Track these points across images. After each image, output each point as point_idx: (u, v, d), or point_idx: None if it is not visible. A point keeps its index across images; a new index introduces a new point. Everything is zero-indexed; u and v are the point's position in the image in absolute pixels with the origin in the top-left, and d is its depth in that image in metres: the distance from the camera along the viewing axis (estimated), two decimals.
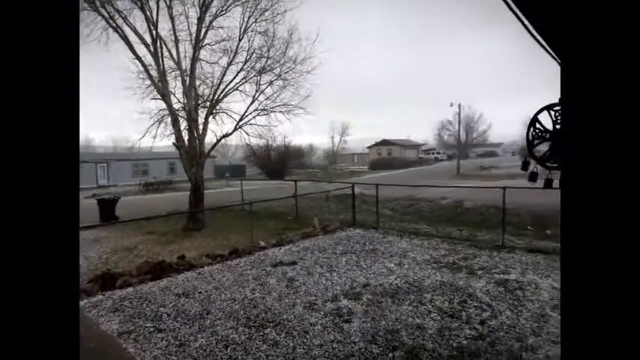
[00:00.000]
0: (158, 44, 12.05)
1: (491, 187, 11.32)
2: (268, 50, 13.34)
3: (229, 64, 13.10)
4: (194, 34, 12.36)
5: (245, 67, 13.24)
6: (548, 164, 2.36)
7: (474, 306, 5.23)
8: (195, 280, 6.69)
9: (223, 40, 13.05)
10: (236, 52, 13.06)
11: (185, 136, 12.61)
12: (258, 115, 13.86)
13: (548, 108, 2.28)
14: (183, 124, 12.68)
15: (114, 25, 11.58)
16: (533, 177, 2.47)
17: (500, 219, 9.25)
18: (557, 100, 2.23)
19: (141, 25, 11.97)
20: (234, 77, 13.24)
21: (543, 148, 2.40)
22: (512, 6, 1.46)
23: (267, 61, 13.36)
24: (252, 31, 13.09)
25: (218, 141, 13.76)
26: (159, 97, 12.59)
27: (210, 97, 13.23)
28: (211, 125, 13.51)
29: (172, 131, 12.68)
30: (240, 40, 12.96)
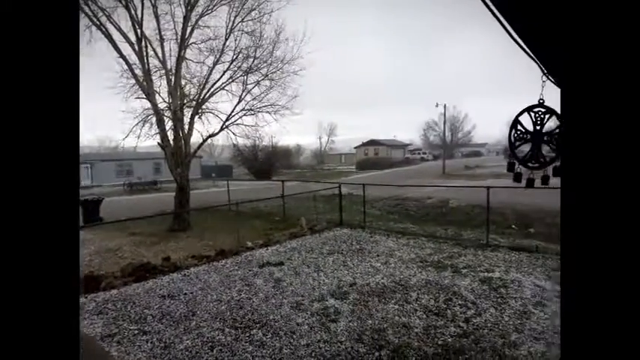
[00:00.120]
0: (143, 43, 11.84)
1: (476, 187, 11.49)
2: (255, 50, 13.27)
3: (215, 63, 12.97)
4: (180, 33, 12.20)
5: (231, 66, 13.13)
6: (529, 164, 2.42)
7: (459, 304, 5.31)
8: (181, 282, 6.61)
9: (209, 39, 12.91)
10: (222, 52, 12.94)
11: (170, 136, 12.43)
12: (245, 115, 13.76)
13: (529, 110, 2.34)
14: (169, 124, 12.51)
15: (97, 22, 11.36)
16: (517, 177, 2.53)
17: (484, 218, 9.42)
18: (536, 102, 2.30)
19: (125, 24, 11.78)
20: (221, 77, 13.12)
21: (525, 148, 2.46)
22: (496, 12, 1.48)
23: (254, 61, 13.28)
24: (239, 30, 13.01)
25: (204, 141, 13.60)
26: (143, 96, 12.39)
27: (196, 96, 13.08)
28: (197, 125, 13.36)
29: (157, 131, 12.49)
30: (226, 39, 12.84)
